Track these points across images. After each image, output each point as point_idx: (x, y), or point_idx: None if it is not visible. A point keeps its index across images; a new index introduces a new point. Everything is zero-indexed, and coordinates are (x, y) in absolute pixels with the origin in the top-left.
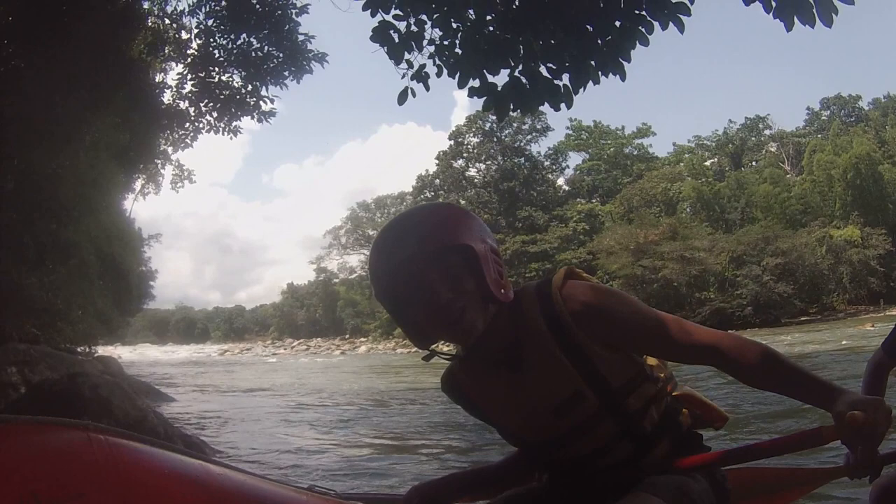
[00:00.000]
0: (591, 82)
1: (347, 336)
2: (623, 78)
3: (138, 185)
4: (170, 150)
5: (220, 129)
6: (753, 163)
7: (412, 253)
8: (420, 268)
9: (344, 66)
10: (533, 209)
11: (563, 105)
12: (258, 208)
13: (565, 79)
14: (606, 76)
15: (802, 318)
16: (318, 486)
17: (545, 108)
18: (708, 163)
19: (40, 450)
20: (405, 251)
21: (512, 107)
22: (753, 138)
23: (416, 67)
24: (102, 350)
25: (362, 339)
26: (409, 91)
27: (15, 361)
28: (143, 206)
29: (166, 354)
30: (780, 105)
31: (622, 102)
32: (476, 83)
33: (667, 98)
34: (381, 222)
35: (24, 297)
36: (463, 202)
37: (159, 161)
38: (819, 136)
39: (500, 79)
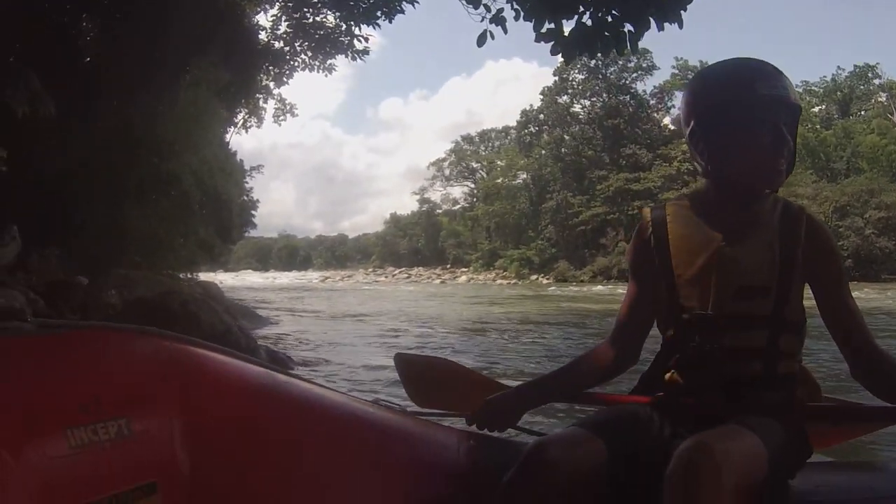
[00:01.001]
0: (656, 28)
1: (449, 266)
2: (680, 26)
3: (241, 119)
4: (271, 85)
5: (315, 67)
6: (861, 112)
7: (785, 94)
8: (783, 107)
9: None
10: (637, 147)
11: (627, 48)
12: (362, 141)
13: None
14: (671, 23)
15: None
16: (384, 399)
17: (650, 46)
18: (815, 109)
19: (105, 355)
20: (781, 88)
21: (578, 51)
22: (862, 86)
23: (493, 11)
24: (205, 276)
25: (463, 270)
26: (489, 34)
27: (116, 285)
28: (247, 138)
29: (268, 280)
30: (890, 54)
31: (730, 43)
32: (551, 26)
33: (774, 40)
34: (485, 155)
35: (127, 228)
36: (567, 138)
37: (261, 96)
38: None
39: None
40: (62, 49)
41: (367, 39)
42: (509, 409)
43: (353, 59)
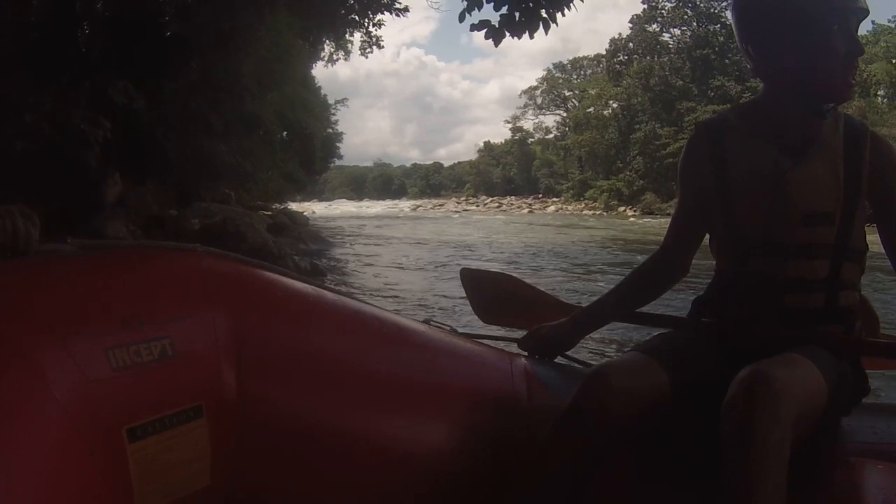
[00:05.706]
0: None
1: (541, 195)
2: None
3: (326, 53)
4: (356, 17)
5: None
6: None
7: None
8: (857, 13)
9: None
10: (726, 79)
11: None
12: (457, 68)
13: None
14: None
15: None
16: (435, 321)
17: None
18: None
19: (148, 273)
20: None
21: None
22: None
23: None
24: (299, 206)
25: (554, 200)
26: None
27: (198, 215)
28: (342, 68)
29: (360, 209)
30: None
31: None
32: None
33: None
34: (577, 84)
35: (214, 164)
36: (656, 67)
37: (348, 30)
38: None
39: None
40: (150, 38)
41: None
42: (562, 337)
43: (397, 16)
